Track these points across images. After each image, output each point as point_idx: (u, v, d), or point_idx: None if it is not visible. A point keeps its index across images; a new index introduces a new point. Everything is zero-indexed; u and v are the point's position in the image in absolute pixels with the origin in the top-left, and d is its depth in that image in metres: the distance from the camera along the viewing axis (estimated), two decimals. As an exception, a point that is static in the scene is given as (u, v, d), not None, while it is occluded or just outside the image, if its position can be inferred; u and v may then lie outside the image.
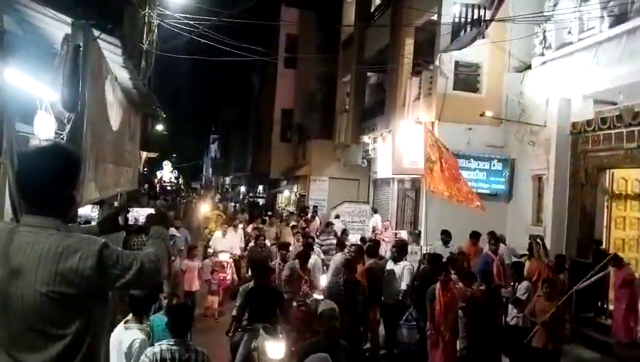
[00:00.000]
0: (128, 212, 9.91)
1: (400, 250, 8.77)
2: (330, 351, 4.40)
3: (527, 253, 9.75)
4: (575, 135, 10.85)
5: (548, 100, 11.33)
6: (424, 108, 13.54)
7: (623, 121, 9.55)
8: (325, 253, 11.47)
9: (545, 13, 11.20)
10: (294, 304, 7.76)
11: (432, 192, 9.94)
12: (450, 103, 12.65)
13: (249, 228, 14.83)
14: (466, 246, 10.42)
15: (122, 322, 4.42)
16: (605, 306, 9.33)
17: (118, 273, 2.06)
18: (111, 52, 5.04)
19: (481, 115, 12.28)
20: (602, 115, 10.05)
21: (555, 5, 10.98)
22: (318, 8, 26.13)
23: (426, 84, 13.75)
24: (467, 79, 13.18)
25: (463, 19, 12.53)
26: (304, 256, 8.57)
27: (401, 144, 13.57)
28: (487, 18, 12.08)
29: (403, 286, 8.35)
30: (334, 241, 11.75)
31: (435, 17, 13.53)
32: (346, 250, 9.90)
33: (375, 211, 16.91)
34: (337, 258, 9.29)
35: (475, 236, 10.40)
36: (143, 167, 21.06)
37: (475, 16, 12.39)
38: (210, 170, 62.28)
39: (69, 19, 4.15)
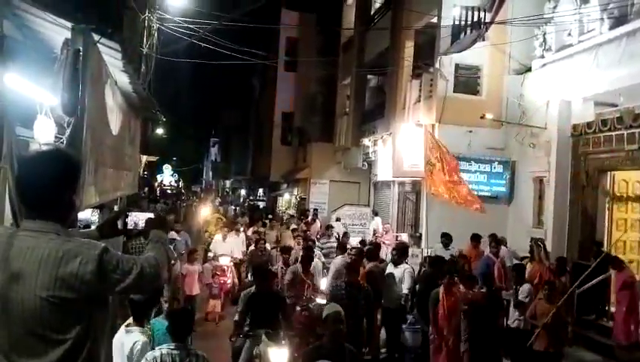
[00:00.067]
0: (127, 216, 9.89)
1: (400, 253, 8.75)
2: (335, 356, 4.35)
3: (528, 255, 9.74)
4: (576, 137, 10.85)
5: (548, 102, 11.32)
6: (424, 110, 13.54)
7: (623, 123, 9.54)
8: (326, 256, 11.46)
9: (545, 16, 11.22)
10: (297, 308, 7.67)
11: (433, 195, 9.93)
12: (451, 106, 12.65)
13: (249, 232, 14.82)
14: (467, 248, 10.41)
15: (124, 326, 4.41)
16: (607, 308, 9.31)
17: (118, 277, 2.06)
18: (111, 56, 5.04)
19: (482, 118, 12.28)
20: (603, 117, 10.05)
21: (554, 7, 10.99)
22: (319, 11, 26.18)
23: (427, 87, 13.76)
24: (467, 82, 13.19)
25: (462, 22, 12.53)
26: (306, 259, 8.51)
27: (402, 147, 13.57)
28: (487, 21, 12.09)
29: (404, 289, 8.33)
30: (335, 244, 11.75)
31: (435, 20, 13.54)
32: (346, 253, 9.88)
33: (376, 214, 16.90)
34: (337, 261, 9.28)
35: (475, 239, 10.39)
36: (143, 171, 21.06)
37: (475, 19, 12.40)
38: (211, 173, 62.30)
39: (68, 24, 4.15)
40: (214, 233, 14.18)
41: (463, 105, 12.81)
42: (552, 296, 7.32)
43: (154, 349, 4.11)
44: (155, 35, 10.84)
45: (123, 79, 6.03)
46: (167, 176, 53.30)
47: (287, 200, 28.20)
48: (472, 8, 12.50)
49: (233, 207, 29.62)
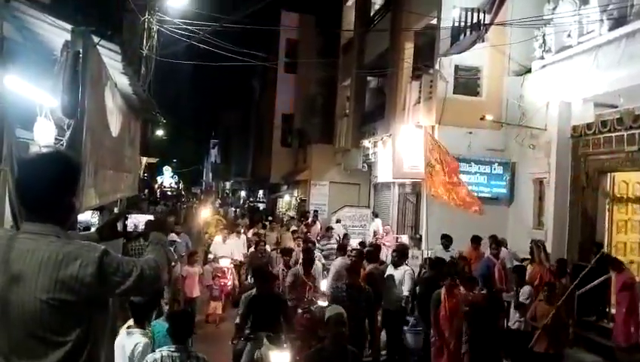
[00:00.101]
0: (127, 218, 9.89)
1: (400, 255, 8.74)
2: (337, 358, 4.32)
3: (528, 256, 9.73)
4: (576, 138, 10.85)
5: (548, 104, 11.33)
6: (424, 112, 13.55)
7: (623, 124, 9.54)
8: (326, 257, 11.45)
9: (544, 17, 11.22)
10: (299, 311, 7.60)
11: (433, 196, 9.93)
12: (451, 107, 12.65)
13: (249, 234, 14.82)
14: (467, 250, 10.40)
15: (125, 328, 4.41)
16: (607, 310, 9.30)
17: (118, 280, 2.06)
18: (111, 58, 5.04)
19: (482, 119, 12.29)
20: (603, 118, 10.05)
21: (554, 9, 11.00)
22: (318, 13, 26.21)
23: (426, 88, 13.77)
24: (467, 83, 13.19)
25: (462, 23, 12.54)
26: (308, 261, 8.46)
27: (402, 148, 13.57)
28: (486, 22, 12.10)
29: (404, 291, 8.31)
30: (335, 246, 11.73)
31: (434, 21, 13.55)
32: (346, 255, 9.87)
33: (376, 215, 16.90)
34: (337, 262, 9.26)
35: (476, 240, 10.38)
36: (143, 173, 21.05)
37: (475, 20, 12.40)
38: (211, 174, 62.31)
39: (68, 26, 4.16)
40: (214, 235, 14.18)
41: (462, 106, 12.81)
42: (552, 298, 7.32)
43: (154, 351, 4.11)
44: (155, 36, 10.86)
45: (123, 81, 6.03)
46: (167, 178, 53.32)
47: (287, 201, 28.21)
48: (472, 10, 12.50)
49: (233, 209, 29.63)
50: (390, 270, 8.59)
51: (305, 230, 15.10)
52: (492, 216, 11.61)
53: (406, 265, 8.78)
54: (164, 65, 12.48)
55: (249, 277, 10.93)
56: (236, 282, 11.58)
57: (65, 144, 4.39)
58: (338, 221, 16.40)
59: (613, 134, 9.87)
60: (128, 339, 4.24)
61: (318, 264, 9.39)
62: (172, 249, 10.09)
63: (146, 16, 10.35)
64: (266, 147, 29.99)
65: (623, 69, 8.92)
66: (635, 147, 9.34)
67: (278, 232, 15.03)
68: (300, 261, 9.39)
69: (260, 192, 36.27)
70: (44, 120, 4.49)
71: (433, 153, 9.65)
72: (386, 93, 16.88)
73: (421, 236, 11.46)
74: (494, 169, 12.78)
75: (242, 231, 14.37)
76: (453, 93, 12.92)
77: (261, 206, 31.77)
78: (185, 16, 12.06)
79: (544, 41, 11.34)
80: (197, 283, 10.21)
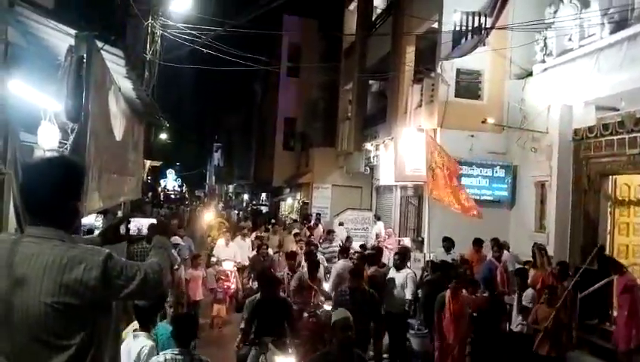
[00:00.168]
0: (130, 222, 9.92)
1: (402, 258, 8.75)
2: None
3: (531, 259, 9.73)
4: (577, 141, 10.84)
5: (549, 107, 11.33)
6: (426, 115, 13.57)
7: (624, 127, 9.53)
8: (328, 260, 11.44)
9: (545, 21, 11.23)
10: (305, 315, 7.52)
11: (434, 199, 9.94)
12: (452, 110, 12.67)
13: (252, 237, 14.82)
14: (469, 253, 10.40)
15: (131, 331, 4.43)
16: (610, 313, 9.28)
17: (122, 283, 2.08)
18: (114, 63, 5.09)
19: (483, 122, 12.30)
20: (604, 121, 10.04)
21: (555, 12, 11.01)
22: (320, 17, 26.28)
23: (428, 92, 13.80)
24: (469, 86, 13.21)
25: (463, 27, 12.58)
26: (312, 265, 8.41)
27: (404, 151, 13.58)
28: (487, 26, 12.14)
29: (408, 295, 8.31)
30: (336, 249, 11.73)
31: (436, 25, 13.58)
32: (348, 258, 9.87)
33: (378, 218, 16.90)
34: (339, 265, 9.24)
35: (478, 243, 10.39)
36: (147, 176, 21.12)
37: (476, 24, 12.45)
38: (214, 178, 62.32)
39: (72, 31, 4.20)
40: (217, 238, 14.19)
41: (464, 109, 12.83)
42: (553, 301, 7.32)
43: (158, 354, 4.12)
44: (158, 41, 10.91)
45: (126, 85, 6.08)
46: (170, 181, 53.50)
47: (289, 204, 28.23)
48: (473, 13, 12.54)
49: (236, 212, 29.66)
50: (392, 273, 8.59)
51: (308, 233, 15.11)
52: (494, 219, 11.62)
53: (408, 268, 8.79)
54: (167, 69, 12.54)
55: (250, 280, 10.91)
56: (239, 285, 11.56)
57: (69, 148, 4.43)
58: (341, 224, 16.41)
59: (614, 137, 9.86)
60: (134, 343, 4.25)
61: (320, 267, 9.39)
62: (175, 252, 10.11)
63: (150, 20, 10.41)
64: (268, 150, 30.02)
65: (624, 72, 8.92)
66: (637, 150, 9.33)
67: (281, 235, 15.03)
68: (303, 263, 9.41)
69: (263, 195, 36.27)
70: (48, 124, 4.53)
71: (434, 156, 9.67)
72: (388, 97, 16.90)
73: (423, 239, 11.47)
74: (496, 172, 12.79)
75: (247, 233, 14.36)
76: (455, 96, 12.94)
77: (264, 209, 31.79)
78: (188, 21, 12.12)
79: (545, 45, 11.34)
80: (200, 286, 10.21)
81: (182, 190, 55.30)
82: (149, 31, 10.45)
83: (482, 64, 12.94)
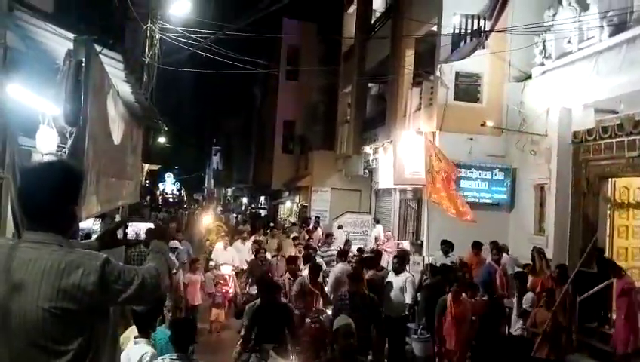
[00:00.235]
0: (127, 226, 9.91)
1: (401, 261, 8.74)
2: None
3: (530, 262, 9.72)
4: (576, 144, 10.85)
5: (548, 110, 11.33)
6: (425, 118, 13.57)
7: (624, 130, 9.55)
8: (327, 264, 11.42)
9: (544, 23, 11.25)
10: (307, 321, 7.44)
11: (434, 202, 9.94)
12: (451, 113, 12.67)
13: (251, 240, 14.79)
14: (468, 256, 10.39)
15: (132, 338, 4.39)
16: (609, 315, 9.28)
17: (120, 288, 2.07)
18: (113, 67, 5.08)
19: (482, 125, 12.30)
20: (603, 124, 10.05)
21: (554, 15, 11.03)
22: (320, 20, 26.31)
23: (427, 95, 13.80)
24: (468, 89, 13.21)
25: (462, 30, 12.59)
26: (314, 270, 8.37)
27: (403, 154, 13.58)
28: (487, 29, 12.14)
29: (407, 299, 8.29)
30: (335, 252, 11.71)
31: (435, 28, 13.59)
32: (347, 261, 9.85)
33: (377, 221, 16.90)
34: (337, 269, 9.23)
35: (477, 246, 10.38)
36: (145, 180, 21.11)
37: (475, 27, 12.45)
38: (212, 181, 62.33)
39: (71, 35, 4.19)
40: (214, 241, 14.15)
41: (463, 112, 12.83)
42: (551, 304, 7.31)
43: (157, 359, 4.09)
44: (157, 44, 10.91)
45: (125, 89, 6.08)
46: (169, 185, 53.49)
47: (288, 208, 28.22)
48: (472, 16, 12.55)
49: (235, 215, 29.64)
50: (391, 276, 8.57)
51: (307, 236, 15.09)
52: (493, 222, 11.62)
53: (407, 271, 8.77)
54: (166, 73, 12.54)
55: (248, 285, 10.85)
56: (238, 289, 11.52)
57: (67, 152, 4.42)
58: (340, 227, 16.40)
59: (613, 140, 9.87)
60: (134, 349, 4.22)
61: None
62: (174, 256, 10.09)
63: (148, 24, 10.42)
64: (267, 154, 30.03)
65: (623, 74, 8.93)
66: (636, 152, 9.34)
67: (279, 239, 15.01)
68: (302, 267, 9.39)
69: (262, 199, 36.27)
70: (46, 128, 4.52)
71: (433, 159, 9.68)
72: (387, 100, 16.91)
73: (422, 242, 11.46)
74: (495, 175, 12.79)
75: (246, 236, 14.32)
76: (454, 99, 12.94)
77: (263, 212, 31.77)
78: (187, 25, 12.13)
79: (544, 48, 11.36)
80: (199, 290, 10.19)
81: (180, 194, 55.26)
82: (148, 34, 10.46)
83: (481, 67, 12.95)
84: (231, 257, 12.06)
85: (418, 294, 8.75)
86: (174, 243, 11.21)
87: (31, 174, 2.22)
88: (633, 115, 9.33)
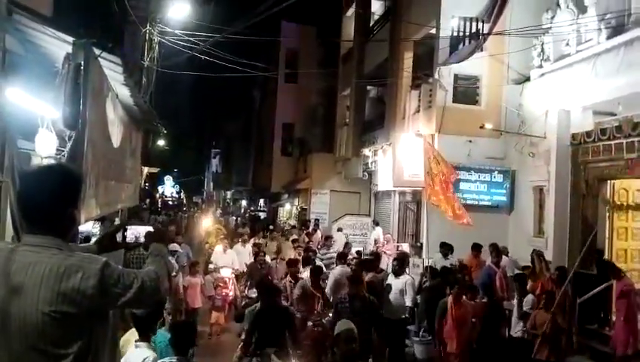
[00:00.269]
0: (127, 229, 9.90)
1: (401, 264, 8.73)
2: None
3: (529, 265, 9.72)
4: (575, 146, 10.86)
5: (547, 112, 11.36)
6: (424, 121, 13.59)
7: (622, 132, 9.56)
8: (326, 266, 11.40)
9: (543, 26, 11.28)
10: (309, 324, 7.40)
11: (433, 204, 9.95)
12: (450, 116, 12.70)
13: (251, 243, 14.78)
14: (468, 258, 10.39)
15: (133, 341, 4.38)
16: (609, 317, 9.27)
17: (119, 291, 2.07)
18: (112, 70, 5.09)
19: (481, 127, 12.32)
20: (602, 126, 10.07)
21: (552, 18, 11.06)
22: (318, 23, 26.36)
23: (426, 97, 13.82)
24: (466, 92, 13.24)
25: (461, 33, 12.60)
26: (315, 272, 8.34)
27: (402, 157, 13.59)
28: (485, 31, 12.16)
29: (407, 301, 8.27)
30: (334, 255, 11.70)
31: (433, 31, 13.62)
32: (346, 264, 9.83)
33: (377, 224, 16.89)
34: (336, 271, 9.21)
35: (476, 248, 10.38)
36: (145, 182, 21.12)
37: (474, 30, 12.47)
38: (212, 184, 62.32)
39: (70, 39, 4.20)
40: (214, 244, 14.14)
41: (462, 115, 12.86)
42: (550, 305, 7.31)
43: (156, 362, 4.09)
44: (156, 48, 10.93)
45: (124, 92, 6.08)
46: (168, 188, 53.44)
47: (288, 210, 28.22)
48: (471, 19, 12.57)
49: (234, 218, 29.62)
50: (391, 279, 8.56)
51: (306, 239, 15.09)
52: (492, 224, 11.62)
53: (407, 273, 8.76)
54: (165, 76, 12.55)
55: (247, 288, 10.83)
56: (237, 292, 11.51)
57: (66, 155, 4.43)
58: (339, 229, 16.39)
59: (612, 142, 9.88)
60: (135, 353, 4.21)
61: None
62: (173, 259, 10.08)
63: (147, 27, 10.43)
64: (266, 156, 30.04)
65: (621, 76, 8.95)
66: (635, 154, 9.35)
67: (278, 241, 15.00)
68: (302, 270, 9.37)
69: (261, 201, 36.26)
70: (45, 131, 4.52)
71: (432, 162, 9.69)
72: (386, 103, 16.93)
73: (422, 244, 11.45)
74: (494, 177, 12.81)
75: (246, 239, 14.31)
76: (453, 102, 12.97)
77: (262, 215, 31.76)
78: (186, 28, 12.15)
79: (543, 50, 11.39)
80: (199, 293, 10.17)
81: (180, 196, 55.25)
82: (147, 38, 10.47)
83: (480, 69, 12.98)
84: (230, 260, 12.06)
85: (418, 296, 8.74)
86: (174, 246, 11.21)
87: (30, 178, 2.22)
88: (631, 117, 9.34)
